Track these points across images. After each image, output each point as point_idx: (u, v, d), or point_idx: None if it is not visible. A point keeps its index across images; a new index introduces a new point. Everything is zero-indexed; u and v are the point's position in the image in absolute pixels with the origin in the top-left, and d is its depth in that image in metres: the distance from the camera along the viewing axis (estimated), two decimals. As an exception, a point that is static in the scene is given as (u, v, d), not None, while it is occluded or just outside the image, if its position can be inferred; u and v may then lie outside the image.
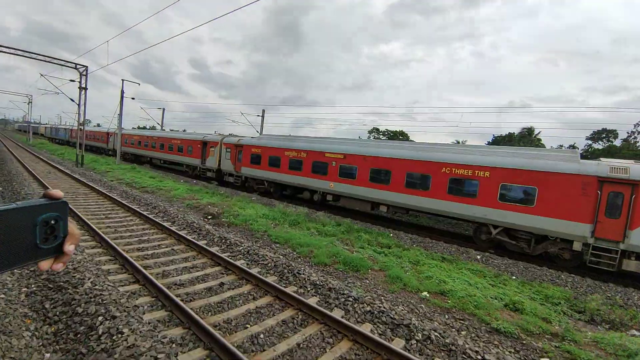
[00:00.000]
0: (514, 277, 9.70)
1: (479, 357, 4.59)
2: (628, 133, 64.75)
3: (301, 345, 4.50)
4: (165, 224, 9.91)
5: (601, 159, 11.77)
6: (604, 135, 70.48)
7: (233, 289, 6.07)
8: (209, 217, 12.89)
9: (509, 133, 63.23)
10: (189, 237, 8.54)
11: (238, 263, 7.01)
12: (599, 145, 69.33)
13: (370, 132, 67.69)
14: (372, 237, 11.79)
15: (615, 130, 65.04)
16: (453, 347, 4.75)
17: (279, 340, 4.56)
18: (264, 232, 10.92)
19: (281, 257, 8.34)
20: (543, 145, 54.69)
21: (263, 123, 32.03)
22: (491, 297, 7.45)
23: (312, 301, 5.69)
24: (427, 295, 7.15)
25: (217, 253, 7.42)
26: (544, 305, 7.64)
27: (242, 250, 8.20)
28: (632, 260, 9.38)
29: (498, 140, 60.74)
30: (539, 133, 54.61)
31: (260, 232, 10.92)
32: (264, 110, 31.95)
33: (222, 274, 6.66)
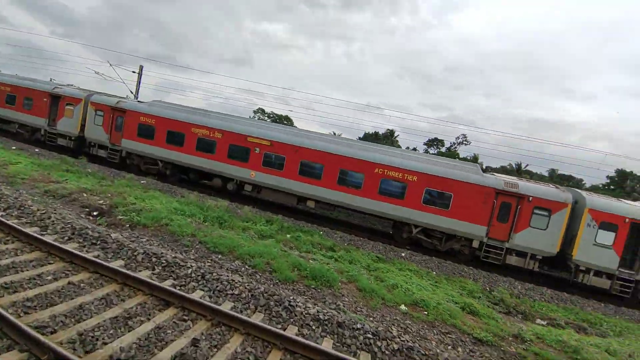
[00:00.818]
0: (434, 272, 10.98)
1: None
2: (451, 143, 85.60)
3: None
4: (30, 231, 6.23)
5: (495, 174, 14.61)
6: (435, 143, 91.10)
7: None
8: (96, 213, 9.12)
9: (376, 132, 73.06)
10: (91, 258, 5.57)
11: (209, 302, 4.99)
12: (433, 150, 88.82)
13: (255, 112, 64.93)
14: (311, 237, 11.04)
15: (442, 140, 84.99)
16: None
17: None
18: (192, 237, 8.51)
19: (246, 278, 6.58)
20: (399, 146, 65.96)
21: (140, 82, 25.40)
22: (446, 301, 8.10)
23: (334, 350, 4.57)
24: (406, 308, 7.09)
25: (166, 287, 5.08)
26: (473, 298, 8.92)
27: (193, 275, 5.97)
28: (513, 256, 12.14)
29: (367, 137, 68.95)
30: (397, 136, 64.75)
31: (187, 237, 8.45)
32: (141, 67, 25.25)
33: (210, 333, 4.48)
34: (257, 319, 4.94)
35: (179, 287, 5.47)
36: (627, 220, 11.40)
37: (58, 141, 17.12)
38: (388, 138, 69.00)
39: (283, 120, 67.66)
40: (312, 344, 4.39)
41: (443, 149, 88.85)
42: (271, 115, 67.57)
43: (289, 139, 14.01)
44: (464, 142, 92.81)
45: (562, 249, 11.88)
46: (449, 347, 5.87)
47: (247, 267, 7.46)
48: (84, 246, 6.44)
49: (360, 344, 4.92)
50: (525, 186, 12.20)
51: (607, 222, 11.49)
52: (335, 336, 5.02)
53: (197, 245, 8.17)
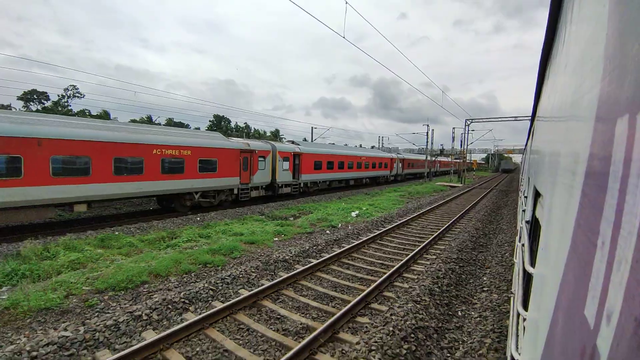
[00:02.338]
0: (226, 219, 14.68)
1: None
2: (59, 96, 69.79)
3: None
4: None
5: (233, 138, 18.51)
6: (36, 97, 69.87)
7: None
8: None
9: None
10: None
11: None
12: (34, 106, 68.17)
13: None
14: (141, 240, 10.22)
15: (46, 93, 67.33)
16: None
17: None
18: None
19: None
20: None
21: None
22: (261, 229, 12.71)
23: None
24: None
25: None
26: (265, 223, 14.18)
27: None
28: (254, 191, 18.17)
29: None
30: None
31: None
32: None
33: None
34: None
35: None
36: (292, 153, 20.97)
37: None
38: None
39: None
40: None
41: (48, 104, 71.44)
42: None
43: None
44: (77, 95, 79.01)
45: (272, 177, 19.64)
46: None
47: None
48: None
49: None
50: (253, 144, 18.00)
51: (284, 158, 20.41)
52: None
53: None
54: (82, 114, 69.36)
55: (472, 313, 6.21)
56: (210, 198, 15.96)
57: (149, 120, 72.71)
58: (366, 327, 5.26)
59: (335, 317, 5.30)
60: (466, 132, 36.53)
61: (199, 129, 64.85)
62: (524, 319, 2.04)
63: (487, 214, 16.94)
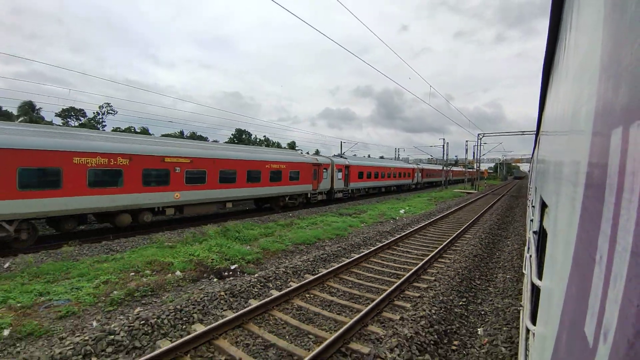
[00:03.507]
0: (312, 215, 19.85)
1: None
2: (94, 113, 75.75)
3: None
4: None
5: (306, 154, 23.88)
6: (73, 114, 75.56)
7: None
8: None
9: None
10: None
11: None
12: (73, 122, 73.41)
13: None
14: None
15: (83, 110, 72.69)
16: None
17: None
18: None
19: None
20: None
21: None
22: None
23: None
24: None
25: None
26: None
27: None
28: (319, 196, 23.44)
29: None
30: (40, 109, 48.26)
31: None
32: None
33: None
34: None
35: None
36: (344, 165, 26.22)
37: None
38: (30, 114, 50.72)
39: None
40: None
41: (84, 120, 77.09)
42: None
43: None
44: (110, 112, 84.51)
45: (331, 185, 24.89)
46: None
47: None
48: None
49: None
50: (319, 159, 23.39)
51: (339, 169, 25.70)
52: (395, 239, 13.83)
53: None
54: (116, 129, 74.65)
55: (503, 248, 11.30)
56: (294, 200, 21.27)
57: (180, 135, 78.76)
58: (448, 259, 10.38)
59: (428, 257, 10.42)
60: (479, 145, 41.65)
61: (216, 141, 70.63)
62: (533, 334, 1.94)
63: (504, 210, 22.04)
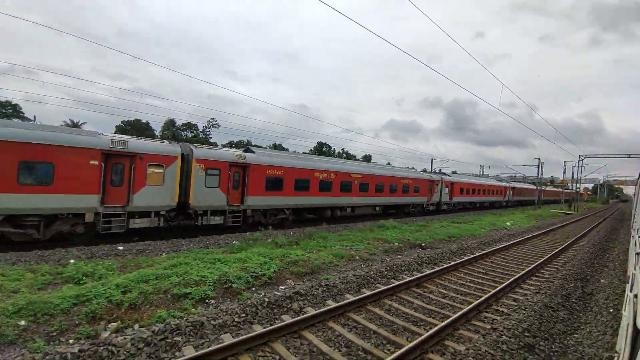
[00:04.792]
0: (434, 220, 25.12)
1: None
2: (203, 126, 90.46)
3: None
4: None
5: (422, 172, 29.56)
6: (188, 128, 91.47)
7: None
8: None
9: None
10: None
11: None
12: (189, 134, 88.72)
13: None
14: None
15: (196, 125, 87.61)
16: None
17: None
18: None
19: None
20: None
21: None
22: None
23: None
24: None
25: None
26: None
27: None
28: (430, 207, 28.62)
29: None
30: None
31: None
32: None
33: None
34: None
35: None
36: (451, 182, 30.94)
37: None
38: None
39: None
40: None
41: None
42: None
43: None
44: (214, 126, 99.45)
45: (439, 198, 29.81)
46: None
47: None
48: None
49: (517, 241, 18.71)
50: (434, 176, 28.64)
51: (446, 185, 30.44)
52: (515, 242, 18.42)
53: (444, 242, 17.11)
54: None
55: (611, 247, 15.24)
56: (415, 208, 26.88)
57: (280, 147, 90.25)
58: (567, 256, 14.83)
59: (554, 251, 14.96)
60: (579, 166, 42.05)
61: (295, 152, 79.29)
62: None
63: (609, 230, 24.44)
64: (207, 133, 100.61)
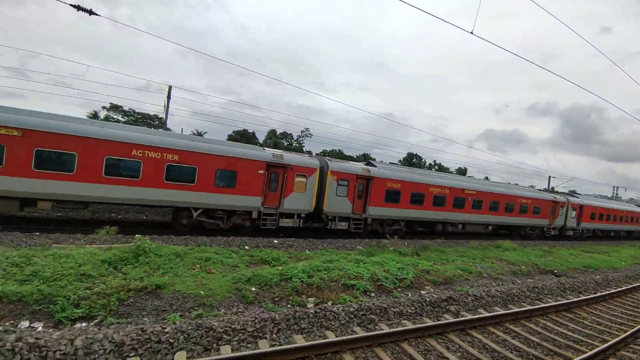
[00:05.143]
0: (558, 245, 22.66)
1: None
2: (297, 136, 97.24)
3: None
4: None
5: (544, 192, 27.29)
6: (284, 137, 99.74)
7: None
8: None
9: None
10: None
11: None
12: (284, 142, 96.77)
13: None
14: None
15: (291, 134, 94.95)
16: None
17: None
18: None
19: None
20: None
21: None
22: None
23: None
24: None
25: None
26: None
27: None
28: (552, 231, 25.79)
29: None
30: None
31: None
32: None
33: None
34: None
35: None
36: (578, 205, 27.25)
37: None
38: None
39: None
40: None
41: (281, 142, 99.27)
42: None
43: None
44: (307, 135, 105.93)
45: (564, 222, 26.51)
46: None
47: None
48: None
49: None
50: (557, 197, 25.80)
51: (573, 208, 26.91)
52: None
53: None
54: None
55: None
56: (532, 231, 24.64)
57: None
58: None
59: None
60: None
61: (382, 161, 78.00)
62: None
63: None
64: (301, 142, 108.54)
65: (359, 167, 16.56)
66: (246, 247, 12.21)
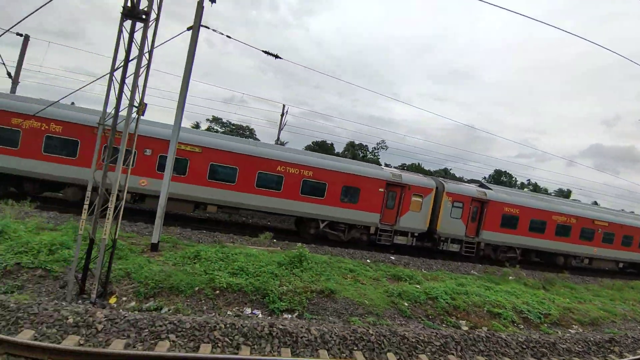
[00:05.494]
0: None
1: None
2: (372, 148, 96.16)
3: None
4: None
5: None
6: (359, 148, 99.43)
7: None
8: None
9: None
10: None
11: None
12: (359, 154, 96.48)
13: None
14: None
15: (366, 145, 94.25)
16: None
17: None
18: None
19: None
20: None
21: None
22: None
23: None
24: None
25: None
26: None
27: None
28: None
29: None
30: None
31: None
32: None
33: None
34: None
35: None
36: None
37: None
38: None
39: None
40: None
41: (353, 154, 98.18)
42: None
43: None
44: (383, 147, 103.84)
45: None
46: None
47: None
48: None
49: None
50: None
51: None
52: None
53: None
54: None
55: None
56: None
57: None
58: None
59: None
60: None
61: (458, 177, 71.11)
62: None
63: None
64: (376, 154, 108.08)
65: (474, 189, 16.28)
66: (367, 260, 13.11)
